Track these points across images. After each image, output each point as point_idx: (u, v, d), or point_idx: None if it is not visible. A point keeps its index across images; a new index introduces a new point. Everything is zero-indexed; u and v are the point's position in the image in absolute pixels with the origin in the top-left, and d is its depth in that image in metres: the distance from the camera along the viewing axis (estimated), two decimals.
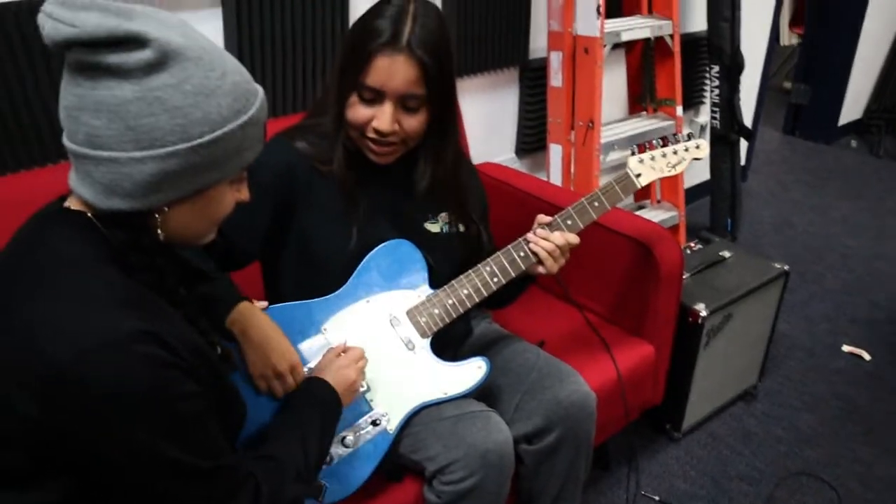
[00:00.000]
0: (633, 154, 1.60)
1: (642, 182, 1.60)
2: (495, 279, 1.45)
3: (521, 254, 1.47)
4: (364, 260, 1.44)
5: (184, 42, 0.87)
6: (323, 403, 1.24)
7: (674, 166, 1.64)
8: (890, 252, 3.50)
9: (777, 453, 2.26)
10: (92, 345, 0.83)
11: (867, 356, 2.72)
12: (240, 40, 1.87)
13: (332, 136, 1.40)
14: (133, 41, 0.83)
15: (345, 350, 1.35)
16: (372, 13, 1.33)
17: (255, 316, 1.31)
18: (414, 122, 1.36)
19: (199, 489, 0.94)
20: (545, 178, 2.63)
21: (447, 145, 1.46)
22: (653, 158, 1.60)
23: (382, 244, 1.44)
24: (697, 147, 1.66)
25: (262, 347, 1.28)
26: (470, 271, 1.46)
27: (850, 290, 3.17)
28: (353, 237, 1.43)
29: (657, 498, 2.08)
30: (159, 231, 0.94)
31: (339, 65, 1.37)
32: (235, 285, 1.35)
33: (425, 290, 1.46)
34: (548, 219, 1.51)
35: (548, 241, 1.46)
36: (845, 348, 2.76)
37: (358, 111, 1.34)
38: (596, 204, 1.53)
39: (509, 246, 1.48)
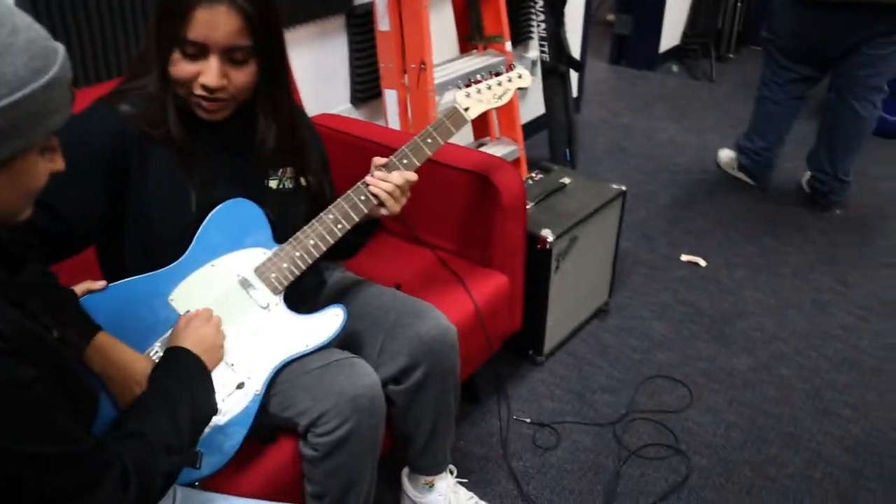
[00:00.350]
0: (459, 89, 1.62)
1: (471, 115, 1.62)
2: (339, 226, 1.44)
3: (362, 197, 1.46)
4: (203, 223, 1.38)
5: None
6: (186, 371, 1.19)
7: (499, 97, 1.68)
8: (711, 166, 3.74)
9: (632, 361, 2.40)
10: None
11: (703, 262, 2.92)
12: (34, 1, 1.72)
13: (158, 96, 1.32)
14: None
15: (194, 315, 1.31)
16: None
17: (114, 349, 1.23)
18: (242, 76, 1.30)
19: (61, 479, 0.88)
20: (384, 125, 2.62)
21: (283, 96, 1.42)
22: (479, 91, 1.64)
23: (221, 205, 1.38)
24: (520, 76, 1.71)
25: (126, 381, 1.22)
26: (313, 221, 1.43)
27: (682, 204, 3.38)
28: (192, 201, 1.36)
29: (528, 420, 2.16)
30: None
31: (155, 20, 1.29)
32: (83, 311, 1.26)
33: (271, 247, 1.42)
34: (383, 160, 1.51)
35: (386, 181, 1.46)
36: (683, 258, 2.94)
37: (182, 68, 1.27)
38: (429, 140, 1.54)
39: (349, 191, 1.47)
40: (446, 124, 1.57)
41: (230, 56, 1.27)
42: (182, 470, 1.08)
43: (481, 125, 2.97)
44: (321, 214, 1.44)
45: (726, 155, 3.71)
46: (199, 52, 1.26)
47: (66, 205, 1.26)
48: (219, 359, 1.30)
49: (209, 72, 1.26)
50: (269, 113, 1.41)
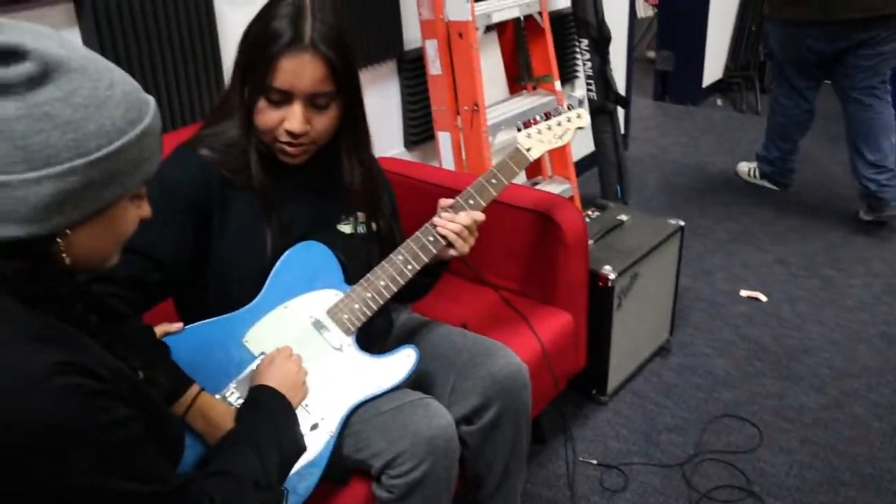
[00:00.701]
0: (519, 130, 1.63)
1: (533, 155, 1.62)
2: (409, 266, 1.44)
3: (431, 238, 1.46)
4: (276, 265, 1.39)
5: (65, 52, 0.81)
6: (271, 408, 1.21)
7: (560, 136, 1.69)
8: (766, 200, 3.69)
9: (697, 400, 2.34)
10: (6, 385, 0.77)
11: (763, 297, 2.86)
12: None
13: (240, 142, 1.36)
14: (10, 54, 0.78)
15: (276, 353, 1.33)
16: (267, 14, 1.29)
17: (214, 410, 1.26)
18: (324, 120, 1.33)
19: None
20: (437, 165, 2.63)
21: (363, 137, 1.46)
22: (539, 132, 1.65)
23: (293, 247, 1.40)
24: (578, 116, 1.73)
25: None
26: (383, 262, 1.44)
27: (737, 238, 3.33)
28: (269, 245, 1.39)
29: (595, 461, 2.11)
30: (65, 256, 0.87)
31: (239, 71, 1.33)
32: (175, 364, 1.28)
33: (343, 288, 1.43)
34: (450, 202, 1.51)
35: (454, 222, 1.46)
36: (743, 293, 2.89)
37: (267, 115, 1.30)
38: (493, 181, 1.54)
39: (417, 233, 1.47)
40: (510, 165, 1.57)
41: (313, 102, 1.30)
42: None
43: (534, 165, 2.97)
44: (391, 255, 1.44)
45: (744, 166, 3.87)
46: (284, 99, 1.29)
47: (163, 253, 1.31)
48: (302, 396, 1.31)
49: (293, 118, 1.29)
50: (352, 154, 1.44)
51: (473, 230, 1.49)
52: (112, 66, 0.88)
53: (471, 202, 1.51)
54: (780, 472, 2.06)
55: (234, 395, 1.32)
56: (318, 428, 1.32)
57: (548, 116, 1.68)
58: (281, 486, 1.13)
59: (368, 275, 1.42)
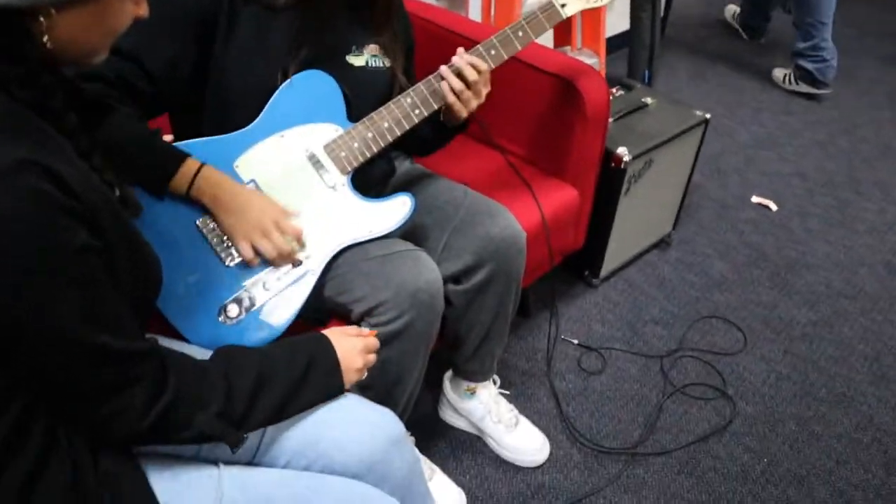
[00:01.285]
0: None
1: (568, 12, 1.49)
2: (416, 111, 1.35)
3: (443, 84, 1.37)
4: (276, 92, 1.30)
5: None
6: (315, 368, 1.07)
7: None
8: (797, 108, 3.54)
9: (689, 298, 2.32)
10: None
11: (774, 206, 2.78)
12: None
13: None
14: None
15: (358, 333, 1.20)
16: None
17: (223, 179, 1.23)
18: None
19: (94, 367, 0.83)
20: (464, 15, 2.48)
21: None
22: None
23: (296, 75, 1.31)
24: None
25: (241, 209, 1.21)
26: (390, 103, 1.35)
27: (763, 144, 3.21)
28: (273, 70, 1.30)
29: (576, 341, 2.11)
30: (46, 38, 0.79)
31: None
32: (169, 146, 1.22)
33: (344, 125, 1.34)
34: (467, 53, 1.40)
35: (470, 65, 1.35)
36: (754, 199, 2.81)
37: None
38: (520, 34, 1.43)
39: (430, 76, 1.38)
40: (540, 19, 1.45)
41: None
42: (216, 441, 0.96)
43: (563, 33, 2.82)
44: (399, 97, 1.35)
45: (779, 72, 3.77)
46: None
47: (156, 65, 1.23)
48: (350, 381, 1.13)
49: None
50: None
51: (484, 83, 1.39)
52: None
53: (492, 52, 1.40)
54: (757, 379, 2.06)
55: (214, 226, 1.26)
56: (301, 265, 1.28)
57: None
58: (246, 432, 0.99)
59: (373, 114, 1.33)
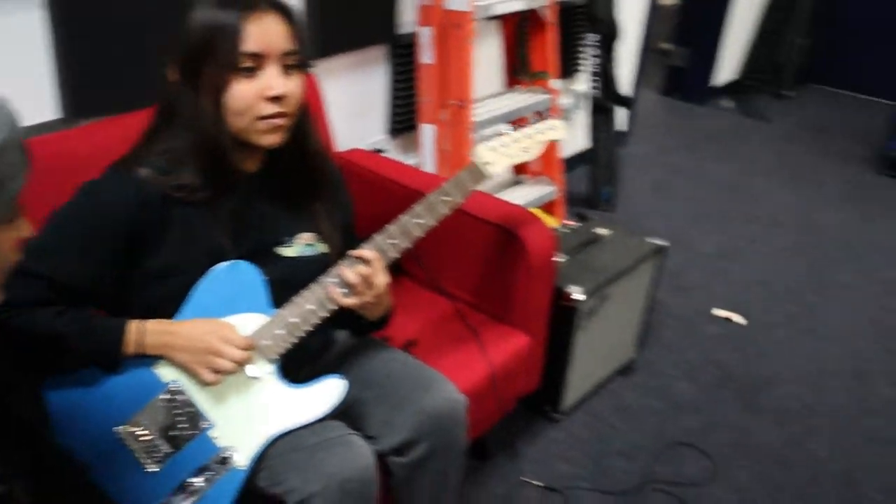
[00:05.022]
0: (483, 139, 1.55)
1: (494, 170, 1.52)
2: (344, 290, 1.36)
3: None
4: (196, 286, 1.30)
5: None
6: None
7: (527, 150, 1.59)
8: (762, 214, 3.61)
9: (654, 425, 2.30)
10: None
11: (742, 320, 2.80)
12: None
13: (186, 154, 1.29)
14: None
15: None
16: (204, 7, 1.25)
17: (165, 326, 1.28)
18: (296, 85, 1.30)
19: None
20: (416, 160, 2.55)
21: (308, 126, 1.40)
22: (504, 145, 1.55)
23: (216, 267, 1.31)
24: (552, 129, 1.62)
25: (187, 343, 1.26)
26: (313, 284, 1.35)
27: (726, 254, 3.25)
28: (204, 263, 1.31)
29: (538, 483, 2.07)
30: None
31: (188, 70, 1.26)
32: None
33: (267, 312, 1.33)
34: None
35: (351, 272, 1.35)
36: (716, 312, 2.82)
37: (243, 91, 1.25)
38: (444, 199, 1.44)
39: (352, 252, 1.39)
40: (464, 180, 1.48)
41: (285, 63, 1.27)
42: None
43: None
44: (322, 277, 1.36)
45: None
46: (257, 65, 1.25)
47: (76, 280, 1.25)
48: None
49: (274, 79, 1.26)
50: (295, 146, 1.38)
51: (375, 273, 1.36)
52: None
53: (392, 242, 1.40)
54: None
55: (139, 429, 1.26)
56: (228, 462, 1.27)
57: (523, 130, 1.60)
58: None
59: (296, 297, 1.34)
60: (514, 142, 1.57)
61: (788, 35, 4.91)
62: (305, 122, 1.39)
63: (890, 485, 2.11)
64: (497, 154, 1.54)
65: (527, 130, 1.60)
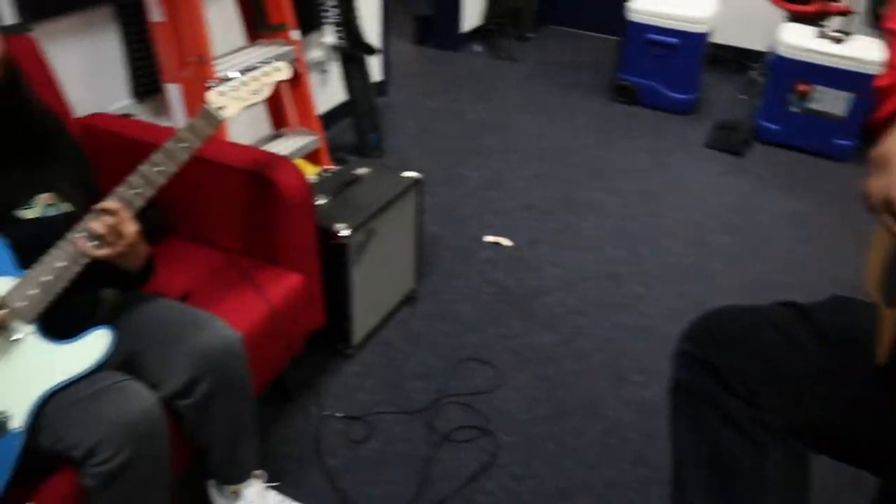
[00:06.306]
0: (210, 88, 1.56)
1: (227, 114, 1.55)
2: (94, 242, 1.33)
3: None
4: None
5: None
6: None
7: (256, 92, 1.62)
8: (517, 146, 3.86)
9: (444, 346, 2.43)
10: None
11: (508, 242, 3.00)
12: None
13: None
14: None
15: None
16: None
17: None
18: None
19: None
20: (172, 122, 2.47)
21: (21, 91, 1.36)
22: (234, 89, 1.57)
23: None
24: (277, 70, 1.66)
25: None
26: (61, 241, 1.32)
27: (491, 185, 3.46)
28: None
29: (340, 414, 2.14)
30: None
31: None
32: None
33: (17, 274, 1.29)
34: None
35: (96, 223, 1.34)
36: (487, 238, 3.01)
37: None
38: (182, 145, 1.45)
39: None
40: (199, 125, 1.49)
41: None
42: None
43: (278, 115, 2.89)
44: (69, 233, 1.32)
45: None
46: None
47: None
48: None
49: None
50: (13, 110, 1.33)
51: (122, 222, 1.35)
52: None
53: (136, 191, 1.39)
54: (513, 409, 2.20)
55: None
56: (4, 425, 1.22)
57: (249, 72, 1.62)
58: None
59: (44, 256, 1.30)
60: (242, 84, 1.59)
61: None
62: (15, 82, 1.34)
63: (647, 367, 2.39)
64: (227, 98, 1.56)
65: (253, 73, 1.62)
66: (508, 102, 4.38)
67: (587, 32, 5.57)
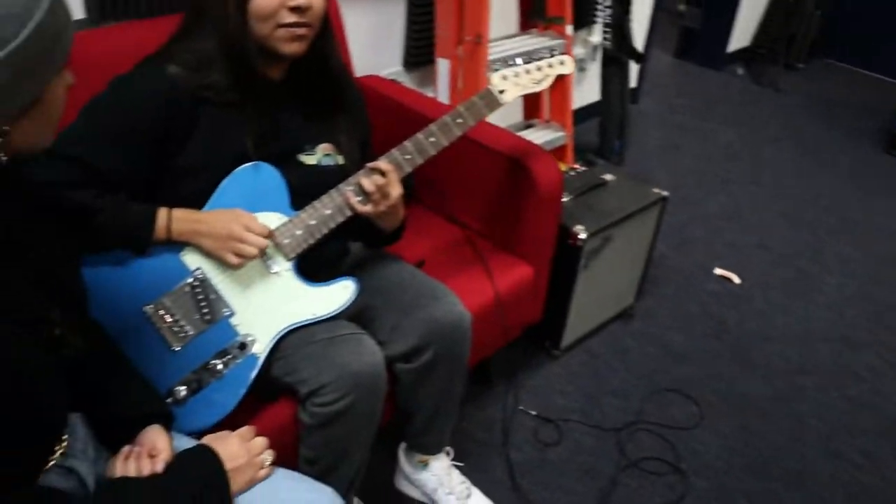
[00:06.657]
0: (496, 70, 1.57)
1: (506, 98, 1.57)
2: (361, 198, 1.40)
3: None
4: (222, 183, 1.35)
5: None
6: (202, 478, 1.03)
7: (538, 82, 1.63)
8: (765, 180, 3.63)
9: (648, 370, 2.35)
10: None
11: (737, 279, 2.84)
12: None
13: (216, 56, 1.31)
14: None
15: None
16: None
17: (192, 214, 1.31)
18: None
19: None
20: (433, 94, 2.56)
21: (331, 42, 1.43)
22: (517, 74, 1.58)
23: (240, 167, 1.35)
24: (562, 63, 1.66)
25: (212, 230, 1.29)
26: (332, 190, 1.40)
27: (729, 215, 3.29)
28: (230, 164, 1.35)
29: (534, 413, 2.13)
30: (2, 155, 0.84)
31: None
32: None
33: (288, 213, 1.39)
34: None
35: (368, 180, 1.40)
36: (717, 271, 2.87)
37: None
38: (459, 121, 1.49)
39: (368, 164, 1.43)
40: (478, 105, 1.52)
41: None
42: None
43: (532, 106, 2.91)
44: (340, 185, 1.40)
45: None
46: None
47: (107, 168, 1.27)
48: (244, 482, 1.08)
49: None
50: (317, 61, 1.41)
51: (390, 184, 1.40)
52: None
53: (432, 139, 1.46)
54: (710, 454, 2.09)
55: (165, 310, 1.31)
56: (246, 348, 1.32)
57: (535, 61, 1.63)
58: None
59: (315, 202, 1.38)
60: (525, 73, 1.61)
61: (804, 6, 4.87)
62: (327, 36, 1.42)
63: (869, 450, 2.16)
64: (509, 83, 1.58)
65: (538, 63, 1.63)
66: (763, 133, 4.13)
67: (868, 72, 5.12)
